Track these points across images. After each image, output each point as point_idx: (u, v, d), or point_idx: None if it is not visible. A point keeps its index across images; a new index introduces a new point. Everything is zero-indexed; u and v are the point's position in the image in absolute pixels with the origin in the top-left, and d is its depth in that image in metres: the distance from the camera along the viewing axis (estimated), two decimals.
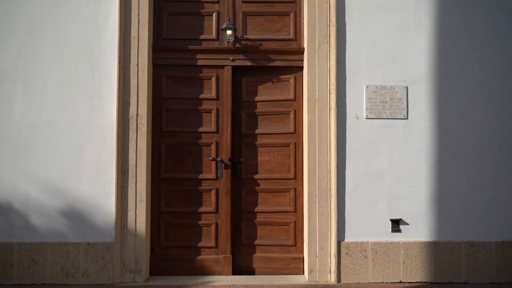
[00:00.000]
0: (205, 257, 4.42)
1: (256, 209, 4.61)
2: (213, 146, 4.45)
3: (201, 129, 4.47)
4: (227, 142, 4.45)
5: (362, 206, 4.27)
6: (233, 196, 4.59)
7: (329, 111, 4.28)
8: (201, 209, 4.44)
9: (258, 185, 4.60)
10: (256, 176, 4.61)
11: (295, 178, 4.55)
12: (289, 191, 4.56)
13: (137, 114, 4.18)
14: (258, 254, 4.55)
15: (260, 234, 4.59)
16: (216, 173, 4.43)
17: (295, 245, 4.53)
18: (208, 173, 4.45)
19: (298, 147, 4.55)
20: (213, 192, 4.43)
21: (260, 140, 4.62)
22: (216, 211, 4.45)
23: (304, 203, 4.45)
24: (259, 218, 4.60)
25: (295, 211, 4.55)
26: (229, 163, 4.45)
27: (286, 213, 4.56)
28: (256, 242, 4.59)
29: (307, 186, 4.29)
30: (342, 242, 4.23)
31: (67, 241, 4.11)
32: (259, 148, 4.62)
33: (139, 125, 4.18)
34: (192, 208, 4.44)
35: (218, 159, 4.40)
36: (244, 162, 4.62)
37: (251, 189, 4.63)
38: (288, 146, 4.57)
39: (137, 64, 4.20)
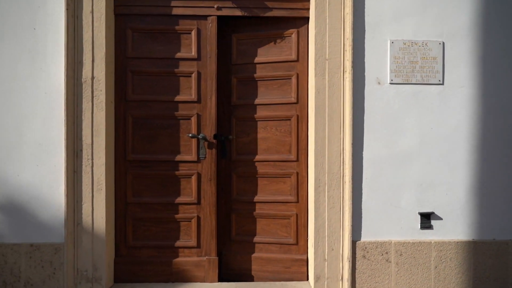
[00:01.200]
0: (184, 259, 3.51)
1: (249, 199, 3.69)
2: (193, 120, 3.48)
3: (178, 98, 3.49)
4: (212, 114, 3.49)
5: (384, 197, 3.34)
6: (221, 183, 3.68)
7: (343, 74, 3.30)
8: (179, 200, 3.50)
9: (252, 168, 3.67)
10: (250, 158, 3.68)
11: (297, 160, 3.61)
12: (290, 177, 3.63)
13: (93, 78, 3.20)
14: (251, 254, 3.65)
15: (254, 230, 3.69)
16: (198, 154, 3.48)
17: (296, 243, 3.63)
18: (188, 154, 3.49)
19: (302, 121, 3.59)
20: (193, 178, 3.49)
21: (254, 113, 3.66)
22: (198, 202, 3.51)
23: (309, 192, 3.52)
24: (253, 209, 3.69)
25: (298, 202, 3.62)
26: (214, 141, 3.49)
27: (286, 204, 3.64)
28: (249, 239, 3.69)
29: (313, 170, 3.35)
30: (357, 242, 3.32)
31: (3, 242, 3.18)
32: (252, 123, 3.67)
33: (95, 92, 3.20)
34: (168, 198, 3.50)
35: (200, 136, 3.44)
36: (234, 140, 3.68)
37: (243, 174, 3.70)
38: (289, 119, 3.61)
39: (92, 12, 3.20)
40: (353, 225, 3.31)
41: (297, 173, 3.62)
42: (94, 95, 3.20)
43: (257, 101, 3.67)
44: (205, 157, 3.48)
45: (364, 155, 3.34)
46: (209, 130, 3.48)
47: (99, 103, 3.20)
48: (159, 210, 3.50)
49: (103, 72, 3.21)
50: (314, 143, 3.34)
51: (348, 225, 3.29)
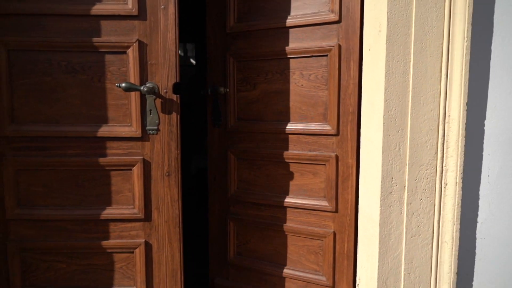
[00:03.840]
0: None
1: (256, 198, 2.11)
2: (131, 54, 1.70)
3: (99, 8, 1.70)
4: (169, 42, 1.70)
5: None
6: (213, 168, 2.18)
7: None
8: (109, 213, 1.79)
9: (260, 145, 2.05)
10: (256, 127, 2.06)
11: (337, 133, 1.89)
12: (324, 164, 1.94)
13: None
14: None
15: (265, 250, 2.11)
16: (143, 124, 1.73)
17: (333, 286, 1.96)
18: (122, 123, 1.74)
19: (349, 57, 1.82)
20: (136, 170, 1.76)
21: (264, 45, 2.00)
22: (146, 217, 1.80)
23: (360, 196, 1.80)
24: (263, 216, 2.12)
25: (337, 211, 1.94)
26: (175, 97, 1.72)
27: (317, 213, 1.99)
28: (256, 264, 2.14)
29: (374, 156, 1.62)
30: None
31: None
32: (261, 64, 2.02)
33: None
34: (87, 209, 1.78)
35: (144, 88, 1.66)
36: (232, 96, 2.02)
37: (245, 154, 2.09)
38: (325, 55, 1.87)
39: None
40: (459, 271, 1.61)
41: (337, 158, 1.90)
42: None
43: (269, 23, 1.93)
44: (157, 130, 1.73)
45: (488, 129, 1.59)
46: (165, 76, 1.71)
47: None
48: (71, 232, 1.80)
49: None
50: (378, 102, 1.58)
51: (451, 272, 1.59)
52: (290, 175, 2.03)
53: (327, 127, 1.91)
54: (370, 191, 1.69)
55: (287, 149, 2.00)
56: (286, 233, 2.07)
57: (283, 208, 2.06)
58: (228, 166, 2.17)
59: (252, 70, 2.06)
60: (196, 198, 4.57)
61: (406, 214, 1.60)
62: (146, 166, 1.74)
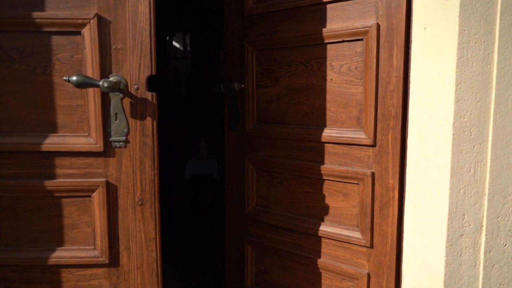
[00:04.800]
0: None
1: (278, 219, 1.70)
2: (87, 36, 1.20)
3: None
4: (142, 18, 1.20)
5: None
6: (230, 180, 1.85)
7: None
8: (60, 256, 1.29)
9: (282, 154, 1.63)
10: (278, 132, 1.62)
11: (374, 143, 1.40)
12: (357, 183, 1.44)
13: None
14: None
15: (286, 282, 1.72)
16: (105, 133, 1.23)
17: None
18: (77, 131, 1.24)
19: (392, 38, 1.32)
20: (97, 197, 1.26)
21: (287, 30, 1.56)
22: (112, 262, 1.30)
23: (407, 232, 1.30)
24: (284, 241, 1.71)
25: (371, 246, 1.45)
26: (150, 96, 1.22)
27: (347, 247, 1.55)
28: None
29: (439, 178, 1.10)
30: None
31: None
32: (284, 53, 1.58)
33: None
34: (30, 252, 1.29)
35: (103, 84, 1.15)
36: (250, 93, 1.67)
37: (265, 165, 1.71)
38: (360, 39, 1.37)
39: None
40: None
41: (373, 176, 1.40)
42: None
43: (290, 2, 1.48)
44: (125, 142, 1.22)
45: None
46: (135, 66, 1.20)
47: None
48: (10, 283, 1.31)
49: None
50: (443, 103, 1.07)
51: None
52: (316, 195, 1.56)
53: (361, 135, 1.41)
54: (427, 229, 1.18)
55: (312, 161, 1.53)
56: (311, 267, 1.60)
57: (306, 236, 1.61)
58: (246, 178, 1.75)
59: (273, 61, 1.60)
60: (190, 210, 4.10)
61: (484, 266, 1.09)
62: (111, 192, 1.25)
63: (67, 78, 1.11)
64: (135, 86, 1.18)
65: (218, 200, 4.23)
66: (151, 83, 1.20)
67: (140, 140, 1.21)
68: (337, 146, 1.45)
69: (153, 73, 1.17)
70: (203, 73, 4.23)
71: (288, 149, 1.59)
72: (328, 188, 1.52)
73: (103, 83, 1.13)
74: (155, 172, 1.22)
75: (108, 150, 1.22)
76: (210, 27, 4.14)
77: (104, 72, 1.19)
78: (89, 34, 1.17)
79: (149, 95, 1.19)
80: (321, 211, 1.55)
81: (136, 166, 1.22)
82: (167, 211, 4.09)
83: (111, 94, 1.18)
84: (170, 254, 3.09)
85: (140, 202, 1.23)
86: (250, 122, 1.70)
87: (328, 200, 1.52)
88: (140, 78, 1.18)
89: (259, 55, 1.64)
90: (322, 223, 1.55)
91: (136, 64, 1.18)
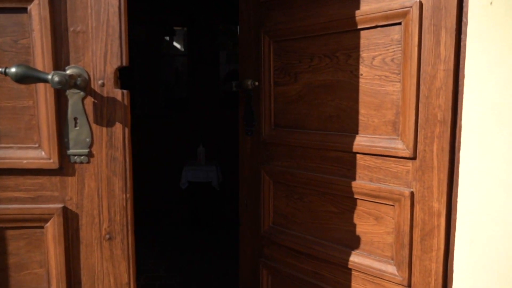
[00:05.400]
0: None
1: (296, 241, 1.41)
2: (36, 13, 0.90)
3: None
4: None
5: None
6: (245, 193, 1.59)
7: None
8: None
9: (301, 166, 1.34)
10: (297, 137, 1.35)
11: (414, 156, 1.09)
12: (392, 205, 1.14)
13: None
14: None
15: None
16: (61, 143, 0.94)
17: None
18: (25, 142, 0.95)
19: (440, 21, 1.02)
20: (51, 229, 0.96)
21: (308, 13, 1.28)
22: None
23: (459, 272, 0.98)
24: (303, 269, 1.40)
25: (409, 286, 1.12)
26: (120, 96, 0.92)
27: (377, 283, 1.25)
28: None
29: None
30: None
31: None
32: (306, 43, 1.31)
33: None
34: None
35: (56, 76, 0.84)
36: (267, 91, 1.42)
37: (283, 177, 1.43)
38: (398, 23, 1.07)
39: None
40: None
41: (413, 197, 1.10)
42: None
43: None
44: (88, 156, 0.91)
45: None
46: (100, 54, 0.90)
47: None
48: None
49: None
50: None
51: None
52: (341, 215, 1.29)
53: (397, 145, 1.10)
54: (490, 272, 0.87)
55: (337, 175, 1.26)
56: None
57: (330, 265, 1.34)
58: (262, 192, 1.49)
59: (293, 54, 1.34)
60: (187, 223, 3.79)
61: None
62: (70, 222, 0.95)
63: (3, 69, 0.80)
64: (100, 82, 0.88)
65: (221, 213, 3.92)
66: (124, 77, 0.89)
67: (107, 153, 0.91)
68: (367, 157, 1.16)
69: (124, 63, 0.87)
70: (202, 72, 3.92)
71: (310, 159, 1.33)
72: (356, 208, 1.23)
73: (53, 77, 0.82)
74: (128, 195, 0.92)
75: (65, 167, 0.92)
76: (209, 22, 3.83)
77: (60, 62, 0.90)
78: (37, 11, 0.87)
79: (118, 94, 0.89)
80: (347, 236, 1.27)
81: (102, 188, 0.92)
82: (162, 222, 3.82)
83: (68, 93, 0.88)
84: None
85: (108, 236, 0.93)
86: (266, 126, 1.44)
87: (356, 223, 1.24)
88: (106, 71, 0.88)
89: (277, 47, 1.39)
90: (348, 250, 1.27)
91: (101, 51, 0.88)
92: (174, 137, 3.97)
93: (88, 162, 0.92)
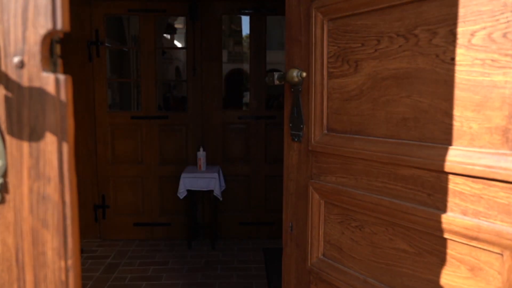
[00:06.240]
0: None
1: (352, 285, 0.98)
2: None
3: None
4: None
5: None
6: (292, 211, 1.25)
7: None
8: None
9: (363, 183, 1.04)
10: (356, 147, 1.03)
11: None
12: (499, 253, 0.76)
13: None
14: None
15: None
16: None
17: None
18: None
19: None
20: None
21: None
22: None
23: None
24: None
25: None
26: (53, 85, 0.52)
27: None
28: None
29: None
30: None
31: None
32: (370, 20, 0.99)
33: None
34: None
35: None
36: (317, 87, 1.13)
37: (338, 198, 1.09)
38: None
39: None
40: None
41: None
42: None
43: None
44: (1, 193, 0.53)
45: None
46: (14, 11, 0.50)
47: None
48: None
49: None
50: None
51: None
52: (418, 257, 0.92)
53: (509, 164, 0.71)
54: None
55: (413, 201, 0.91)
56: None
57: None
58: (310, 213, 1.18)
59: (353, 35, 1.01)
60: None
61: None
62: None
63: None
64: (16, 59, 0.49)
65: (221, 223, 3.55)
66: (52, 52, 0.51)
67: (31, 188, 0.52)
68: (459, 179, 0.80)
69: (60, 26, 0.47)
70: (204, 67, 3.55)
71: (374, 176, 0.99)
72: (440, 251, 0.87)
73: None
74: (69, 263, 0.52)
75: None
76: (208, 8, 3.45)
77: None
78: None
79: (50, 80, 0.50)
80: (423, 286, 0.90)
81: (24, 250, 0.53)
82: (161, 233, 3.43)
83: None
84: None
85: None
86: (316, 130, 1.13)
87: (440, 272, 0.87)
88: (26, 39, 0.49)
89: (333, 27, 1.07)
90: None
91: (17, 8, 0.49)
92: (172, 138, 3.60)
93: (2, 202, 0.53)
